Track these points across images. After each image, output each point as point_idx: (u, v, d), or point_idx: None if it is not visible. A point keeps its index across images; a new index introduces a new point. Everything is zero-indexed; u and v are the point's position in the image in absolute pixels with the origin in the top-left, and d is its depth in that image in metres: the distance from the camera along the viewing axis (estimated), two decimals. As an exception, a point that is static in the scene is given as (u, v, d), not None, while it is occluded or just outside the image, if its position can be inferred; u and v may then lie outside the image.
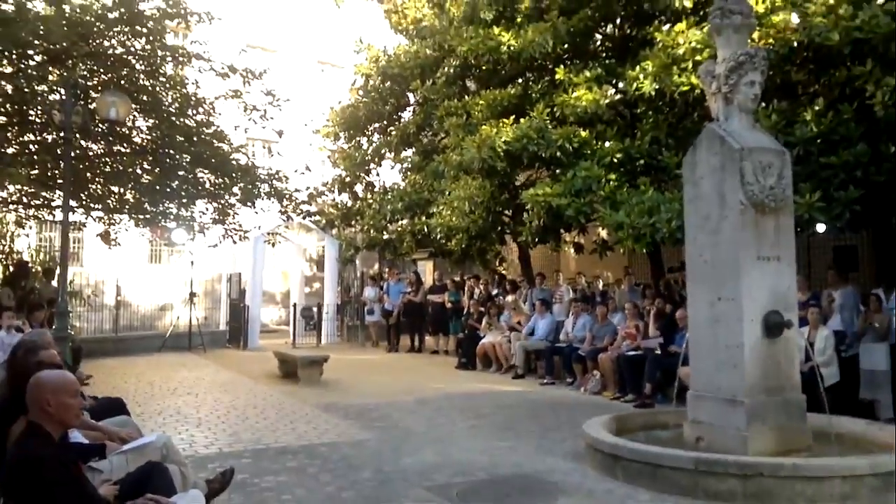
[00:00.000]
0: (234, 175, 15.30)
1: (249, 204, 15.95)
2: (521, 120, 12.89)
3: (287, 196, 16.76)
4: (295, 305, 19.48)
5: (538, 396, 10.64)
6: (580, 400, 10.33)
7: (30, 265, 15.12)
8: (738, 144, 6.44)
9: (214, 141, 14.40)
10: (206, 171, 15.05)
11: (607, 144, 12.13)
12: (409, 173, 18.75)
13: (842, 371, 8.64)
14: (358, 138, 20.13)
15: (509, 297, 14.41)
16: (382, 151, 19.49)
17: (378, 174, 20.37)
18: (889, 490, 5.49)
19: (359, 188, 20.46)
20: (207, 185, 15.36)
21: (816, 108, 9.37)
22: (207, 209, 16.05)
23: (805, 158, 9.01)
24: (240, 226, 16.70)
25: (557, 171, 13.08)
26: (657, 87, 11.26)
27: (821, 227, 9.22)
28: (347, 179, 20.16)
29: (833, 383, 8.29)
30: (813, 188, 8.69)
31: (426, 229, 16.14)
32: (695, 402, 6.66)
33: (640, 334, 10.59)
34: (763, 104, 9.70)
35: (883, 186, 8.99)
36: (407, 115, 19.25)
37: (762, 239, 6.40)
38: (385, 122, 19.52)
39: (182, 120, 14.01)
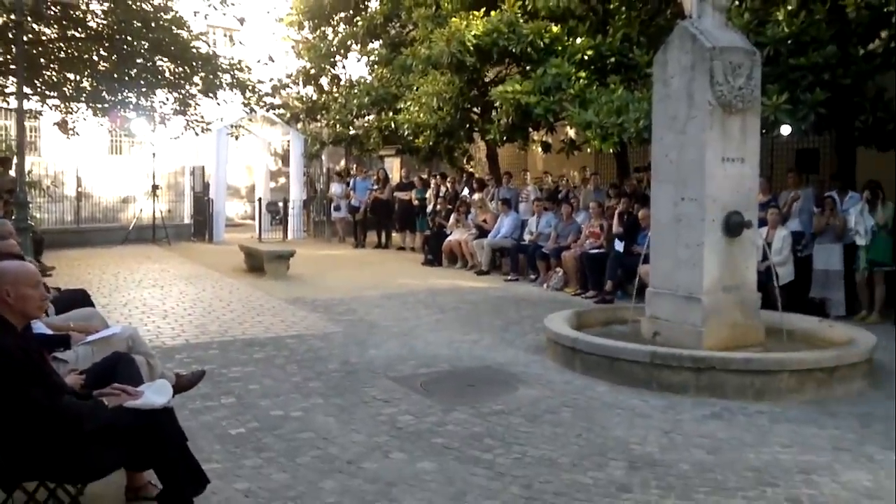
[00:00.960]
0: (194, 64, 14.80)
1: (211, 95, 15.52)
2: (492, 13, 12.55)
3: (250, 87, 16.32)
4: (260, 200, 19.30)
5: (502, 292, 10.84)
6: (543, 296, 10.55)
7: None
8: (709, 43, 6.35)
9: (173, 27, 13.83)
10: (166, 60, 14.53)
11: (578, 41, 11.92)
12: (376, 67, 18.29)
13: (796, 270, 8.91)
14: (323, 28, 19.47)
15: (476, 196, 14.42)
16: (349, 43, 18.92)
17: (344, 67, 19.85)
18: (834, 382, 5.77)
19: (324, 81, 19.96)
20: (167, 75, 14.86)
21: (789, 7, 9.23)
22: (168, 99, 15.58)
23: (775, 59, 8.95)
24: (202, 117, 16.30)
25: (527, 67, 12.87)
26: (631, -19, 10.98)
27: (786, 130, 9.28)
28: (312, 72, 19.62)
29: (787, 282, 8.55)
30: (780, 90, 8.68)
31: (393, 125, 15.92)
32: (653, 299, 6.84)
33: (603, 233, 10.72)
34: (736, 2, 9.55)
35: (849, 89, 9.02)
36: (374, 4, 18.57)
37: (728, 140, 6.43)
38: (351, 12, 18.85)
39: (139, 4, 13.39)
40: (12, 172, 12.22)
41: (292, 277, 11.92)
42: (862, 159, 10.05)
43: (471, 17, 12.74)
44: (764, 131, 7.55)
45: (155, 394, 3.48)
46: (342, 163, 21.59)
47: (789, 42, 9.03)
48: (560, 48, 12.07)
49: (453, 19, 12.95)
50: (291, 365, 6.55)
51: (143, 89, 14.78)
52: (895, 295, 8.68)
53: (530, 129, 13.95)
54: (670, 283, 6.65)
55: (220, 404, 5.41)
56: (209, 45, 16.21)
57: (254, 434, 4.82)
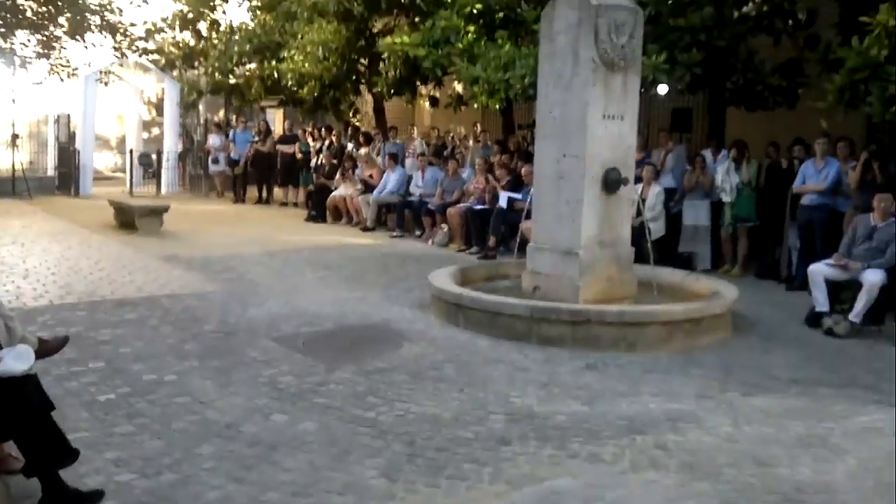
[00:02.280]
0: (59, 3, 13.70)
1: (78, 37, 14.46)
2: (381, -40, 12.21)
3: (121, 31, 15.30)
4: (131, 152, 18.20)
5: (387, 249, 10.79)
6: (428, 252, 10.58)
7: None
8: (595, 0, 6.41)
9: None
10: (28, -2, 13.38)
11: (468, -7, 11.77)
12: (258, 12, 17.52)
13: (667, 226, 9.30)
14: (203, -31, 18.40)
15: (362, 150, 14.19)
16: (229, -14, 18.01)
17: (224, 12, 18.89)
18: (700, 333, 6.09)
19: (203, 26, 18.95)
20: (28, 14, 13.68)
21: (671, -32, 9.45)
22: (29, 41, 14.38)
23: (655, 19, 9.15)
24: (67, 61, 15.18)
25: (416, 19, 12.67)
26: (521, -66, 10.90)
27: (663, 89, 9.56)
28: (190, 16, 18.58)
29: (659, 237, 8.92)
30: (660, 49, 8.91)
31: (276, 75, 15.40)
32: (534, 254, 6.97)
33: (488, 190, 10.80)
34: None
35: (723, 51, 9.37)
36: (258, -56, 17.70)
37: (609, 97, 6.55)
38: (233, -47, 17.90)
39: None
40: None
41: (166, 234, 11.38)
42: (731, 119, 10.54)
43: (359, -37, 12.35)
44: (643, 90, 7.74)
45: (15, 360, 3.25)
46: (221, 113, 20.65)
47: (669, 3, 9.26)
48: (449, 0, 11.92)
49: (340, -35, 12.51)
50: (166, 326, 6.28)
51: (2, 30, 13.57)
52: (757, 249, 9.23)
53: (418, 83, 13.80)
54: (551, 238, 6.79)
55: (88, 369, 5.12)
56: (76, -17, 15.06)
57: (125, 400, 4.60)
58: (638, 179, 8.61)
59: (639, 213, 8.23)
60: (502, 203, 10.15)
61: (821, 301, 6.71)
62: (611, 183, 6.57)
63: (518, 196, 9.97)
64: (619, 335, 5.93)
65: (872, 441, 4.27)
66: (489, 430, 4.33)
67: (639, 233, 7.57)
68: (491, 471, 3.79)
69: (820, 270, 6.79)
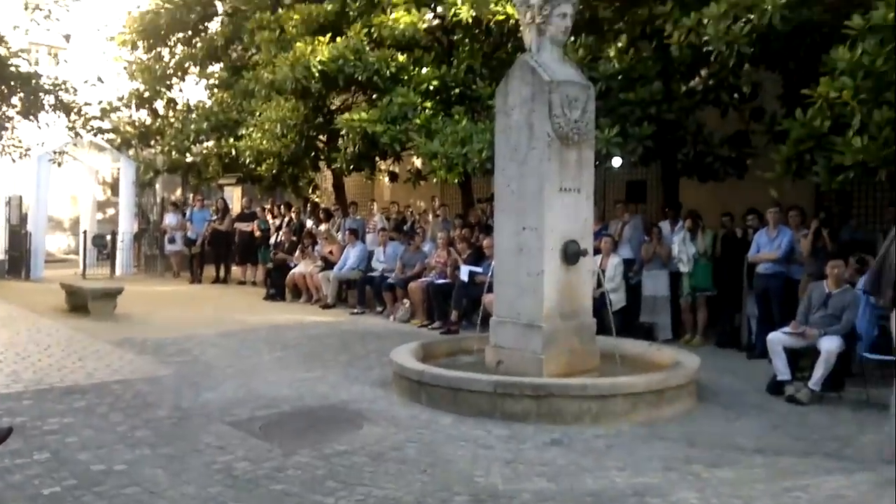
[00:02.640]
0: (12, 83, 13.63)
1: (31, 117, 14.34)
2: (338, 39, 12.45)
3: (75, 110, 15.24)
4: (85, 233, 17.87)
5: (348, 326, 10.62)
6: (389, 328, 10.44)
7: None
8: (548, 76, 6.56)
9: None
10: (-21, 78, 13.29)
11: (424, 71, 12.05)
12: (216, 90, 17.64)
13: (627, 296, 9.35)
14: (159, 49, 18.52)
15: (322, 226, 14.15)
16: (186, 65, 18.15)
17: (181, 90, 18.95)
18: (663, 404, 6.03)
19: (159, 105, 18.96)
20: (-20, 94, 13.59)
21: (619, 44, 9.79)
22: (-20, 120, 14.23)
23: (606, 94, 9.43)
24: (20, 141, 15.00)
25: (374, 95, 12.85)
26: (474, 14, 11.26)
27: (617, 162, 9.78)
28: (146, 94, 18.57)
29: (620, 307, 8.95)
30: (612, 123, 9.15)
31: (234, 152, 15.37)
32: (497, 328, 6.91)
33: (449, 263, 10.79)
34: (571, 38, 10.01)
35: (672, 124, 9.66)
36: (214, 25, 17.94)
37: (565, 171, 6.64)
38: (190, 33, 18.08)
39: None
40: None
41: (120, 317, 11.07)
42: (685, 190, 10.78)
43: (316, 42, 12.57)
44: (597, 163, 7.89)
45: None
46: (178, 192, 20.53)
47: (619, 77, 9.56)
48: (406, 77, 12.15)
49: (298, 44, 12.71)
50: (116, 413, 6.01)
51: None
52: (716, 318, 9.30)
53: (377, 159, 13.91)
54: (513, 311, 6.75)
55: (33, 461, 4.85)
56: (30, 64, 15.01)
57: (70, 493, 4.35)
58: (596, 251, 8.69)
59: (599, 284, 8.26)
60: (464, 277, 10.12)
61: (781, 369, 6.73)
62: (570, 255, 6.60)
63: (479, 269, 9.97)
64: (583, 408, 5.85)
65: (841, 511, 4.21)
66: (452, 512, 4.18)
67: (600, 304, 7.58)
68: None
69: (779, 339, 6.83)
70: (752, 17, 7.77)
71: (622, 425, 5.78)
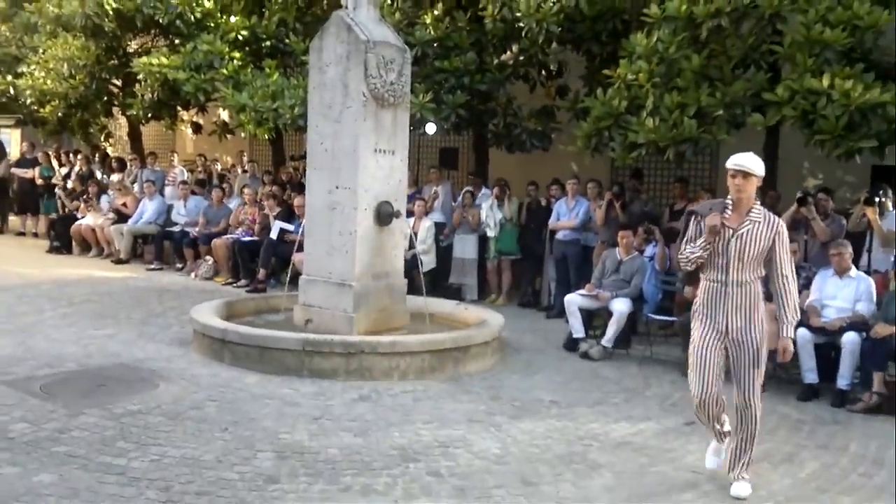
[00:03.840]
0: None
1: None
2: (137, -22, 11.46)
3: None
4: None
5: (144, 283, 9.93)
6: (190, 286, 9.88)
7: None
8: (364, 35, 6.45)
9: None
10: None
11: (233, 20, 11.44)
12: (-8, 23, 15.65)
13: (438, 259, 9.54)
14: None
15: (115, 177, 13.09)
16: (-43, -10, 15.92)
17: (-49, 19, 16.64)
18: (468, 360, 6.23)
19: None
20: None
21: (436, 12, 9.87)
22: None
23: (422, 60, 9.49)
24: None
25: (176, 41, 12.04)
26: (289, -37, 10.84)
27: (431, 128, 9.89)
28: None
29: (430, 269, 9.11)
30: (426, 90, 9.23)
31: (13, 91, 13.81)
32: (306, 287, 6.77)
33: (259, 220, 10.39)
34: (388, 1, 9.95)
35: (484, 95, 9.92)
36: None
37: (380, 132, 6.60)
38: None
39: None
40: None
41: None
42: (495, 158, 11.14)
43: (111, -22, 11.50)
44: (412, 128, 7.93)
45: None
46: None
47: (435, 45, 9.65)
48: (213, 24, 11.48)
49: (90, -21, 11.56)
50: None
51: None
52: (519, 280, 9.75)
53: (179, 108, 13.09)
54: (324, 270, 6.64)
55: None
56: None
57: None
58: (409, 214, 8.76)
59: (411, 245, 8.34)
60: (274, 234, 9.80)
61: (576, 328, 7.19)
62: (383, 216, 6.60)
63: (290, 227, 9.70)
64: (392, 365, 5.90)
65: (626, 455, 4.58)
66: (256, 469, 4.06)
67: (411, 265, 7.66)
68: (258, 512, 3.53)
69: (574, 300, 7.29)
70: (561, -3, 8.13)
71: (429, 381, 5.90)
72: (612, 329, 7.05)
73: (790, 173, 9.04)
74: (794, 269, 4.07)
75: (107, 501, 3.57)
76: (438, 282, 9.33)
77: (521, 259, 9.61)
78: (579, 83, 9.77)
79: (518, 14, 8.60)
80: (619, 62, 7.84)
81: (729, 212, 4.00)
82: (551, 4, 8.38)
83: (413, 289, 7.20)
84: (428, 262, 9.07)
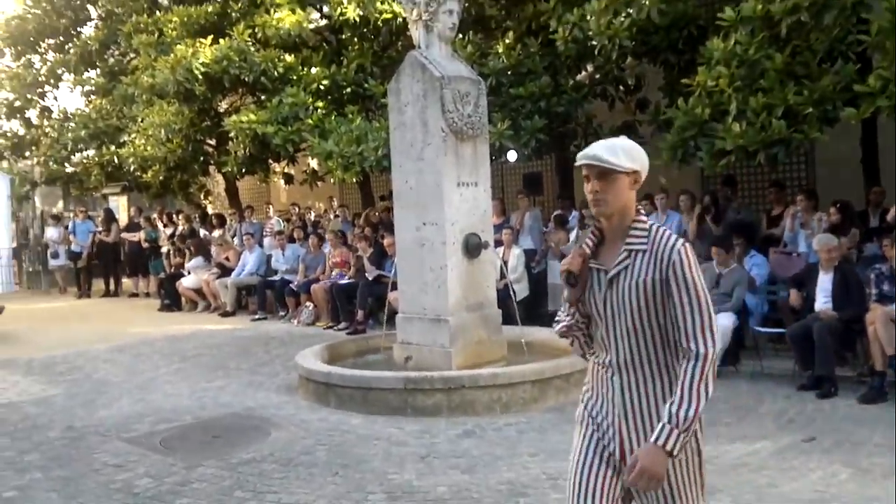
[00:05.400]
0: None
1: None
2: (221, 41, 12.08)
3: (-60, 122, 14.15)
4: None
5: (250, 332, 10.32)
6: (293, 332, 10.20)
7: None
8: (438, 72, 6.57)
9: None
10: None
11: (314, 71, 11.88)
12: (93, 97, 16.81)
13: (531, 286, 9.49)
14: (28, 56, 17.53)
15: (216, 232, 13.70)
16: (59, 72, 17.21)
17: (55, 98, 18.00)
18: (571, 388, 6.14)
19: (32, 114, 17.92)
20: None
21: (507, 41, 9.96)
22: None
23: (497, 89, 9.57)
24: None
25: (262, 97, 12.57)
26: (361, 13, 11.18)
27: (512, 156, 9.93)
28: (17, 104, 17.52)
29: (524, 297, 9.07)
30: (503, 117, 9.28)
31: (117, 160, 14.71)
32: (403, 324, 6.86)
33: (351, 263, 10.64)
34: (460, 36, 10.10)
35: (562, 117, 9.89)
36: (88, 30, 17.10)
37: (462, 165, 6.67)
38: (61, 38, 17.18)
39: None
40: None
41: (2, 337, 10.35)
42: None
43: (198, 44, 12.15)
44: (493, 157, 7.98)
45: None
46: (59, 204, 19.46)
47: (508, 73, 9.72)
48: (295, 77, 11.94)
49: (178, 47, 12.26)
50: (2, 438, 5.62)
51: None
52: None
53: (270, 161, 13.61)
54: (418, 306, 6.72)
55: None
56: None
57: (-47, 527, 4.03)
58: (498, 243, 8.78)
59: (502, 275, 8.34)
60: (370, 276, 9.99)
61: (680, 347, 6.96)
62: (472, 248, 6.63)
63: (386, 273, 9.84)
64: (494, 398, 5.88)
65: (743, 477, 4.39)
66: (368, 512, 4.11)
67: (504, 294, 7.65)
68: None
69: (674, 318, 7.06)
70: (630, 11, 8.05)
71: (532, 412, 5.85)
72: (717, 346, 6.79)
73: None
74: (710, 328, 2.20)
75: (229, 551, 3.70)
76: (534, 310, 9.26)
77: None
78: (659, 95, 9.60)
79: (590, 33, 8.55)
80: (698, 69, 7.66)
81: (589, 242, 2.36)
82: (622, 19, 8.29)
83: (508, 318, 7.18)
84: (521, 290, 9.03)
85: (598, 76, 9.74)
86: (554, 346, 7.22)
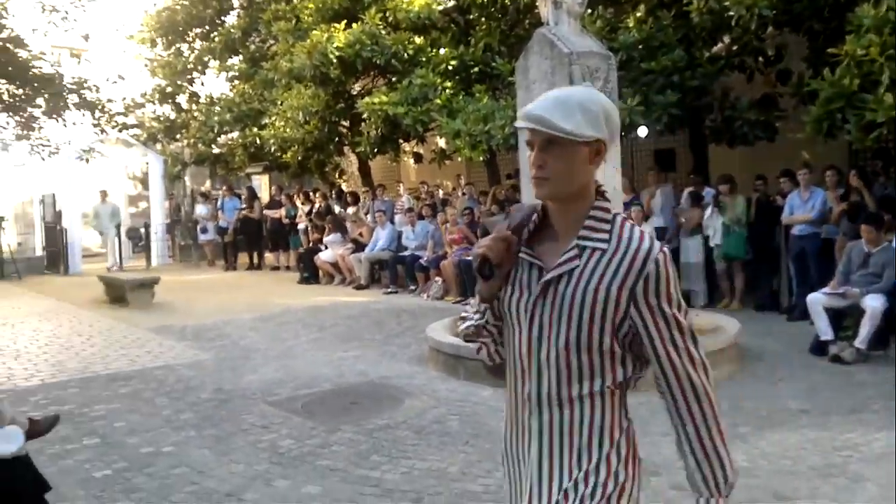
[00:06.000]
0: (35, 85, 13.76)
1: (56, 117, 14.48)
2: (354, 25, 12.45)
3: (99, 107, 15.37)
4: (118, 227, 18.17)
5: (382, 305, 10.70)
6: (423, 306, 10.48)
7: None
8: (567, 49, 6.50)
9: (10, 46, 12.82)
10: (3, 81, 13.44)
11: (442, 51, 12.03)
12: (236, 82, 17.81)
13: (664, 265, 9.24)
14: (178, 45, 18.74)
15: (350, 209, 14.23)
16: (206, 59, 18.32)
17: (202, 84, 19.15)
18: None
19: (182, 99, 19.17)
20: (5, 97, 13.74)
21: (638, 14, 9.70)
22: (8, 123, 14.41)
23: (627, 64, 9.34)
24: (48, 141, 15.19)
25: (393, 78, 12.86)
26: (488, -7, 11.21)
27: (642, 131, 9.69)
28: (168, 90, 18.81)
29: (655, 276, 8.85)
30: (634, 93, 9.06)
31: (259, 141, 15.50)
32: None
33: (474, 240, 10.76)
34: (589, 11, 9.92)
35: (697, 91, 9.54)
36: (231, 18, 18.08)
37: (591, 142, 6.58)
38: (207, 28, 18.26)
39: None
40: None
41: (158, 306, 11.25)
42: (715, 155, 10.65)
43: (332, 29, 12.59)
44: (623, 133, 7.84)
45: (2, 442, 3.15)
46: (207, 183, 20.77)
47: (640, 47, 9.47)
48: (424, 59, 12.15)
49: (314, 32, 12.75)
50: (160, 398, 6.14)
51: (-22, 114, 13.61)
52: (754, 282, 9.19)
53: (401, 141, 13.94)
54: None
55: (83, 446, 4.99)
56: (52, 65, 15.18)
57: (121, 475, 4.46)
58: (628, 221, 8.60)
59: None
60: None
61: (824, 329, 6.65)
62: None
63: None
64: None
65: (891, 466, 4.17)
66: (499, 482, 4.17)
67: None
68: (504, 524, 3.66)
69: (818, 300, 6.75)
70: (771, -21, 7.64)
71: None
72: (865, 329, 6.42)
73: None
74: (701, 360, 1.74)
75: (366, 510, 3.90)
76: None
77: (755, 258, 9.04)
78: (802, 65, 9.08)
79: (726, 3, 8.20)
80: (846, 38, 7.19)
81: (525, 221, 1.77)
82: (762, -13, 7.90)
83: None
84: (652, 269, 8.84)
85: (735, 48, 9.32)
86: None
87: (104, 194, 17.19)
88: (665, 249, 1.67)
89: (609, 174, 6.69)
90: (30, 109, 14.17)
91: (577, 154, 1.66)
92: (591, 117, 1.65)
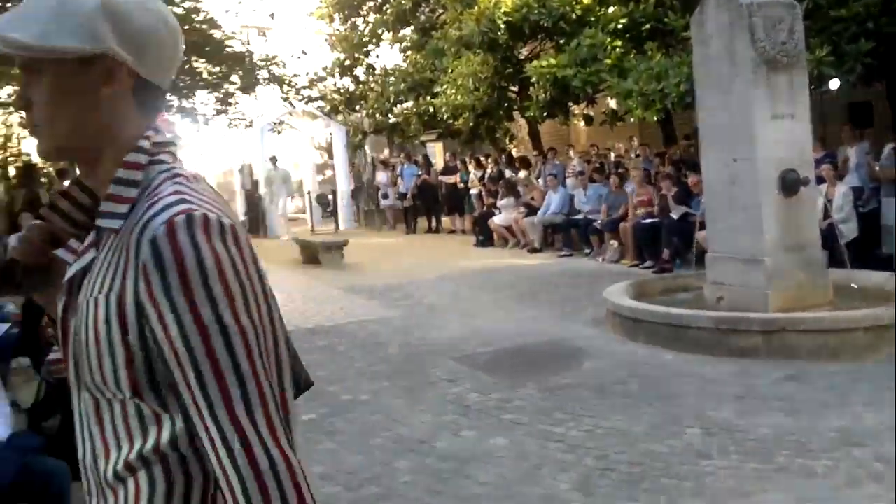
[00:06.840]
0: (230, 63, 14.94)
1: (250, 91, 15.65)
2: (519, -12, 12.40)
3: (287, 82, 16.42)
4: (309, 193, 19.52)
5: (557, 268, 10.76)
6: (599, 269, 10.42)
7: (40, 167, 14.98)
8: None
9: (205, 28, 13.97)
10: (202, 60, 14.68)
11: (611, 10, 11.75)
12: (409, 53, 18.30)
13: (862, 226, 8.62)
14: (353, 19, 19.55)
15: (522, 174, 14.34)
16: (380, 31, 18.97)
17: (378, 56, 19.90)
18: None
19: (360, 71, 20.03)
20: (205, 75, 15.02)
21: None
22: (209, 99, 15.76)
23: (815, 12, 8.66)
24: (243, 115, 16.47)
25: (561, 41, 12.73)
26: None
27: (834, 84, 9.01)
28: (347, 63, 19.72)
29: (852, 238, 8.28)
30: (822, 43, 8.42)
31: (432, 109, 15.90)
32: (714, 264, 6.71)
33: (656, 203, 10.50)
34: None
35: (894, 38, 8.68)
36: (401, -9, 18.53)
37: (776, 97, 6.25)
38: (379, 1, 18.83)
39: (170, 7, 13.56)
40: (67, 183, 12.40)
41: (348, 266, 11.99)
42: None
43: (499, -7, 12.62)
44: (812, 86, 7.33)
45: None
46: (386, 151, 21.68)
47: (827, -8, 8.75)
48: (593, 19, 11.91)
49: (481, -1, 12.84)
50: (354, 350, 6.62)
51: (184, 91, 14.97)
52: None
53: (570, 104, 13.81)
54: (731, 246, 6.52)
55: (290, 393, 5.50)
56: (243, 44, 16.36)
57: (325, 419, 4.88)
58: (820, 179, 8.10)
59: (826, 214, 7.71)
60: (675, 214, 9.81)
61: None
62: (789, 184, 6.23)
63: (693, 211, 9.60)
64: (819, 343, 5.56)
65: None
66: (685, 443, 4.20)
67: (829, 235, 7.09)
68: (691, 485, 3.68)
69: None
70: None
71: (866, 361, 5.43)
72: None
73: None
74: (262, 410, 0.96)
75: (551, 465, 4.00)
76: (866, 253, 8.40)
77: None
78: None
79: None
80: None
81: (65, 204, 1.16)
82: None
83: (834, 261, 6.66)
84: (848, 231, 8.25)
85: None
86: (889, 293, 6.60)
87: (274, 160, 18.27)
88: (180, 217, 0.98)
89: (798, 130, 6.36)
90: (226, 86, 15.42)
91: (66, 81, 1.05)
92: (75, 20, 1.03)
